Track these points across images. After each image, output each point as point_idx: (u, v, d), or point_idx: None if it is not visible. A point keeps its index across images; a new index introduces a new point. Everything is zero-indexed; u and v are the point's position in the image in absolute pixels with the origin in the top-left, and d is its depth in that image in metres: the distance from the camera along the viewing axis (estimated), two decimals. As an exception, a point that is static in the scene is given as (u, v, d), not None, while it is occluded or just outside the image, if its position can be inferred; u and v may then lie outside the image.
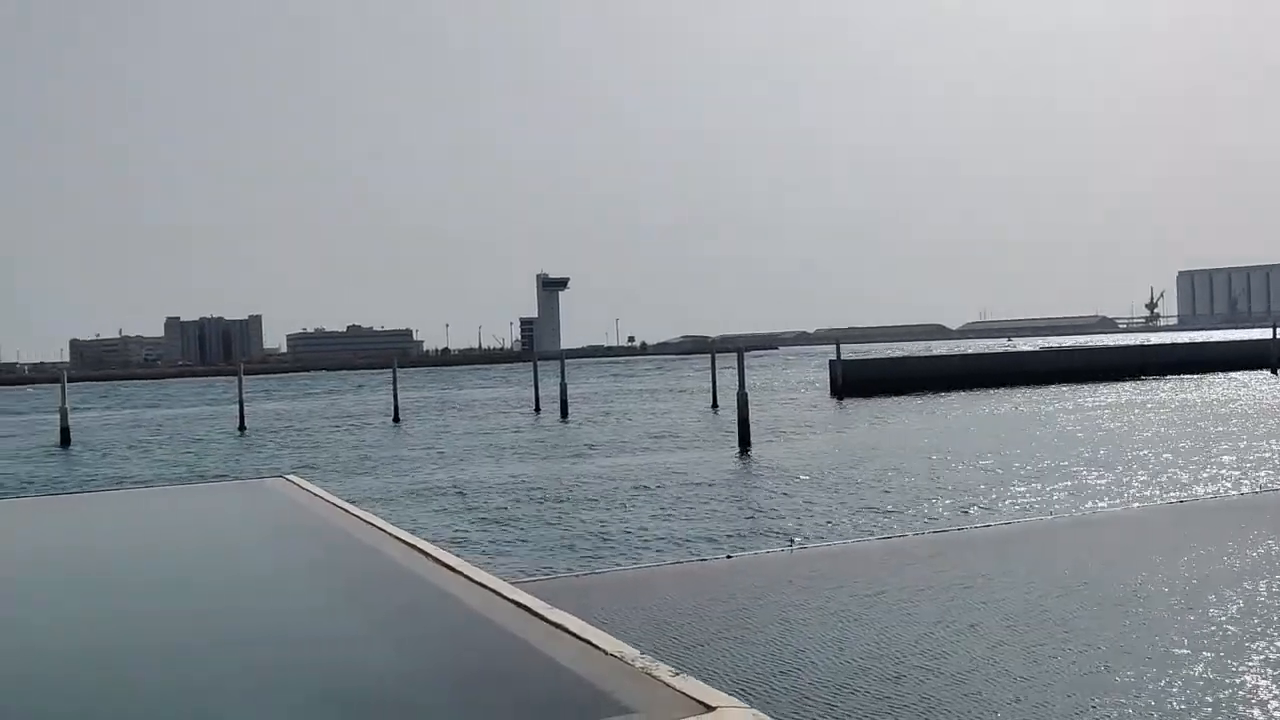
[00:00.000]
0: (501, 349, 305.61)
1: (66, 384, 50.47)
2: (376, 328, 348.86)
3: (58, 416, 48.94)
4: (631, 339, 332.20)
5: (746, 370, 38.67)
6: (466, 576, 5.30)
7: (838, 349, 62.91)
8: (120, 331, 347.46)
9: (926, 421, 42.25)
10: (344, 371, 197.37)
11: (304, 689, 4.32)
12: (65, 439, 47.46)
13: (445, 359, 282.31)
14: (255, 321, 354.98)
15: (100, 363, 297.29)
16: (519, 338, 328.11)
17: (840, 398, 58.57)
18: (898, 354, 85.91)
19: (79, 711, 4.82)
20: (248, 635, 5.67)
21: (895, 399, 54.32)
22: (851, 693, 6.41)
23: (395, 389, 60.24)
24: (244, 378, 60.78)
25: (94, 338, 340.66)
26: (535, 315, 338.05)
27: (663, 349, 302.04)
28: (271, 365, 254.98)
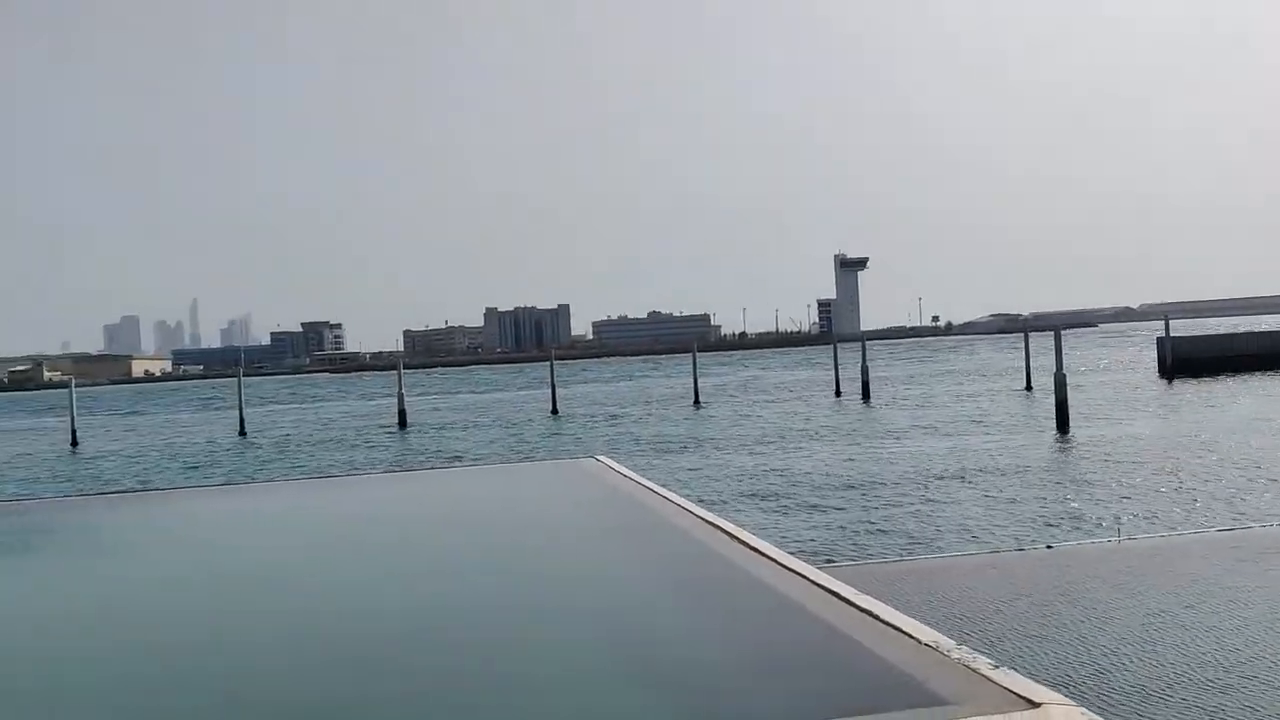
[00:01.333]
0: (799, 332, 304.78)
1: (402, 370, 55.30)
2: (676, 313, 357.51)
3: (395, 400, 53.60)
4: (935, 319, 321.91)
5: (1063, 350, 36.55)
6: (775, 561, 5.34)
7: (1166, 325, 58.11)
8: (446, 322, 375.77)
9: (1269, 406, 38.21)
10: (645, 356, 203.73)
11: (619, 667, 4.51)
12: (402, 420, 51.84)
13: (743, 343, 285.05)
14: (564, 310, 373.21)
15: (430, 351, 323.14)
16: (816, 320, 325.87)
17: (1169, 378, 54.04)
18: (1237, 330, 78.09)
19: (407, 670, 5.24)
20: (565, 609, 5.98)
21: (1233, 379, 49.51)
22: (1168, 701, 5.93)
23: (695, 373, 61.47)
24: (554, 363, 64.05)
25: (424, 328, 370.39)
26: (833, 297, 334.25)
27: (969, 329, 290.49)
28: (579, 351, 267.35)
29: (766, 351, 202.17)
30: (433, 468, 28.36)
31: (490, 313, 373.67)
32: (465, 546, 8.81)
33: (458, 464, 30.48)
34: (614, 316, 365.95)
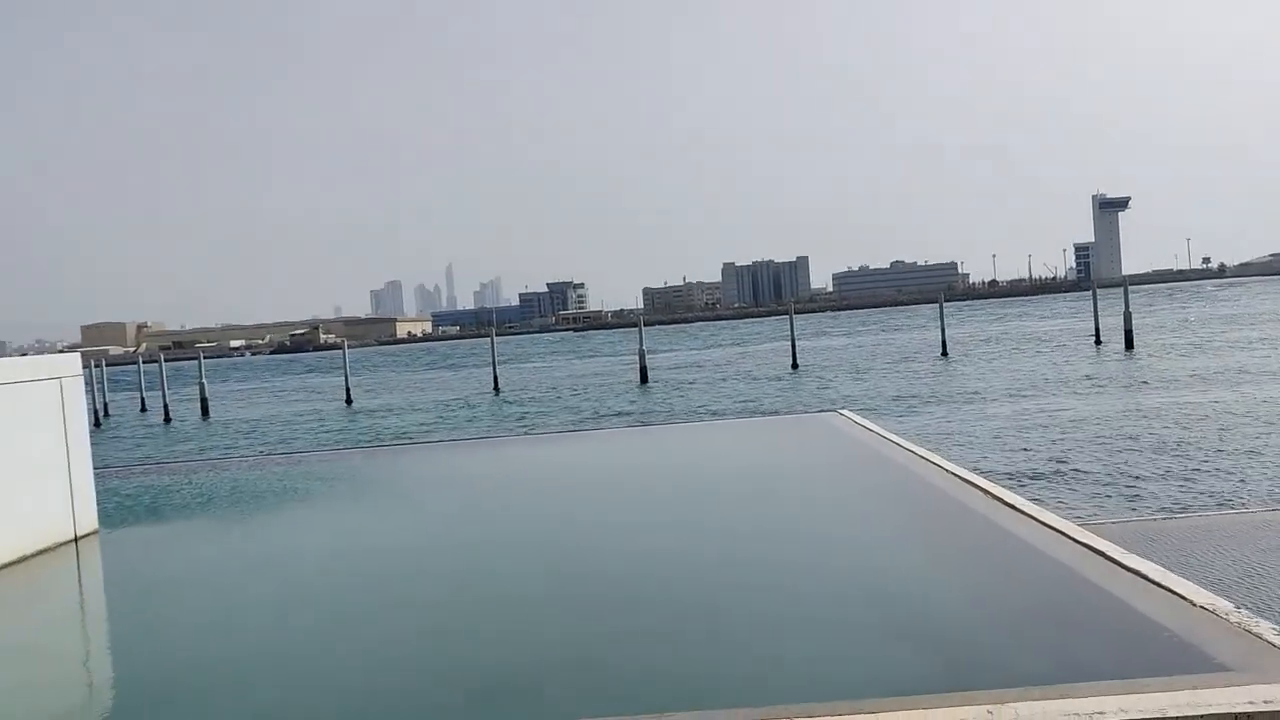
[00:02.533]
0: (1053, 278, 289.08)
1: (642, 327, 56.46)
2: (920, 263, 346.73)
3: (636, 357, 54.84)
4: (1206, 260, 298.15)
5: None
6: (1029, 515, 5.18)
7: None
8: (684, 279, 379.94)
9: None
10: (887, 308, 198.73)
11: (874, 623, 4.53)
12: (644, 376, 53.00)
13: (993, 291, 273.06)
14: (802, 263, 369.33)
15: (668, 307, 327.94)
16: (1073, 265, 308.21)
17: None
18: None
19: (655, 623, 5.38)
20: (814, 564, 6.03)
21: None
22: None
23: (942, 323, 59.58)
24: (793, 317, 63.60)
25: (662, 285, 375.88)
26: (1091, 240, 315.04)
27: (1244, 270, 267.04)
28: (818, 304, 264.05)
29: (1018, 300, 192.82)
30: (675, 422, 28.82)
31: (728, 268, 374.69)
32: (710, 500, 8.98)
33: (699, 419, 30.86)
34: (854, 268, 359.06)
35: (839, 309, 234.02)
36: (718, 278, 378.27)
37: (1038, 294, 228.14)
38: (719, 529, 7.45)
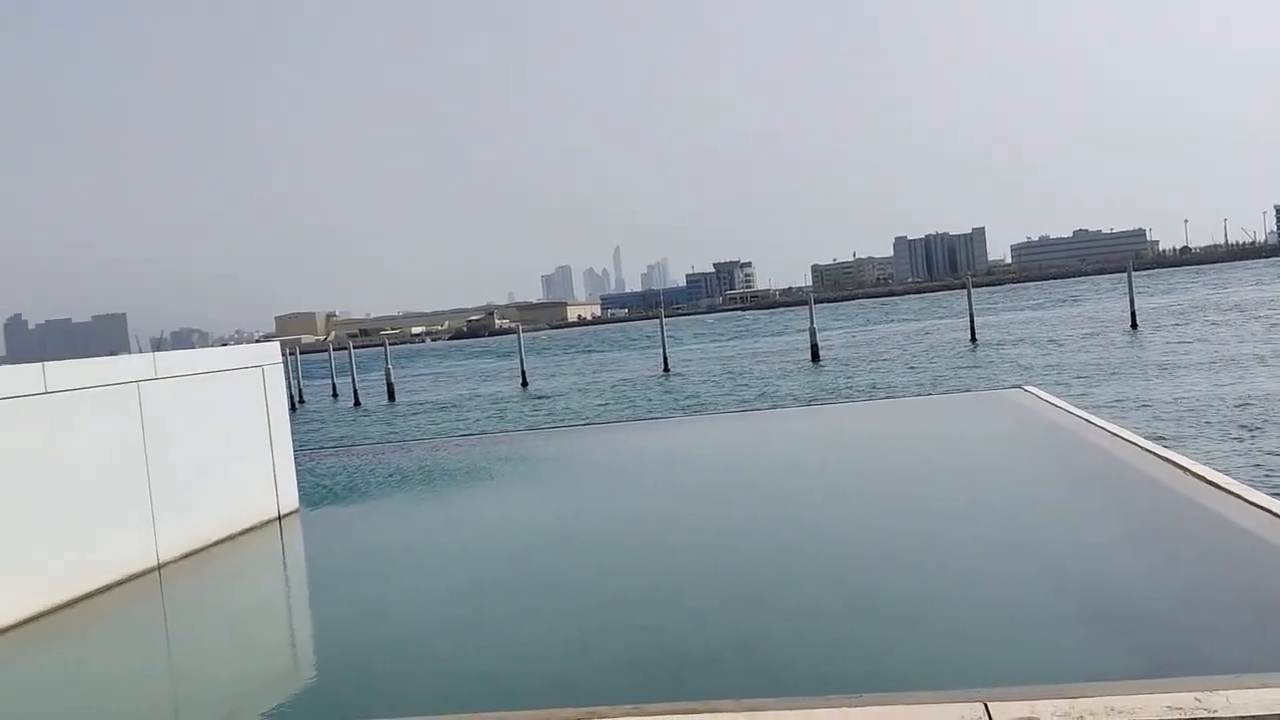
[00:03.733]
0: (1252, 243, 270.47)
1: (812, 304, 55.86)
2: (1105, 230, 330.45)
3: (807, 335, 54.31)
4: None
5: None
6: (1236, 495, 4.90)
7: None
8: (854, 254, 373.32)
9: None
10: (1070, 279, 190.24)
11: (1066, 604, 4.38)
12: (815, 354, 52.43)
13: (1184, 259, 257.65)
14: (979, 234, 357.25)
15: (838, 284, 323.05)
16: (1275, 228, 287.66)
17: None
18: None
19: (835, 599, 5.32)
20: (1001, 543, 5.87)
21: None
22: None
23: (1131, 293, 56.67)
24: (970, 290, 61.63)
25: (832, 261, 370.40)
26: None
27: None
28: (997, 276, 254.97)
29: (1213, 267, 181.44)
30: (849, 401, 28.39)
31: (899, 241, 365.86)
32: (889, 479, 8.82)
33: (874, 397, 30.31)
34: (1034, 238, 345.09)
35: (1019, 281, 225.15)
36: (889, 252, 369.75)
37: (1235, 260, 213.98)
38: (899, 509, 7.33)
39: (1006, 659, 3.69)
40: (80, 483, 7.34)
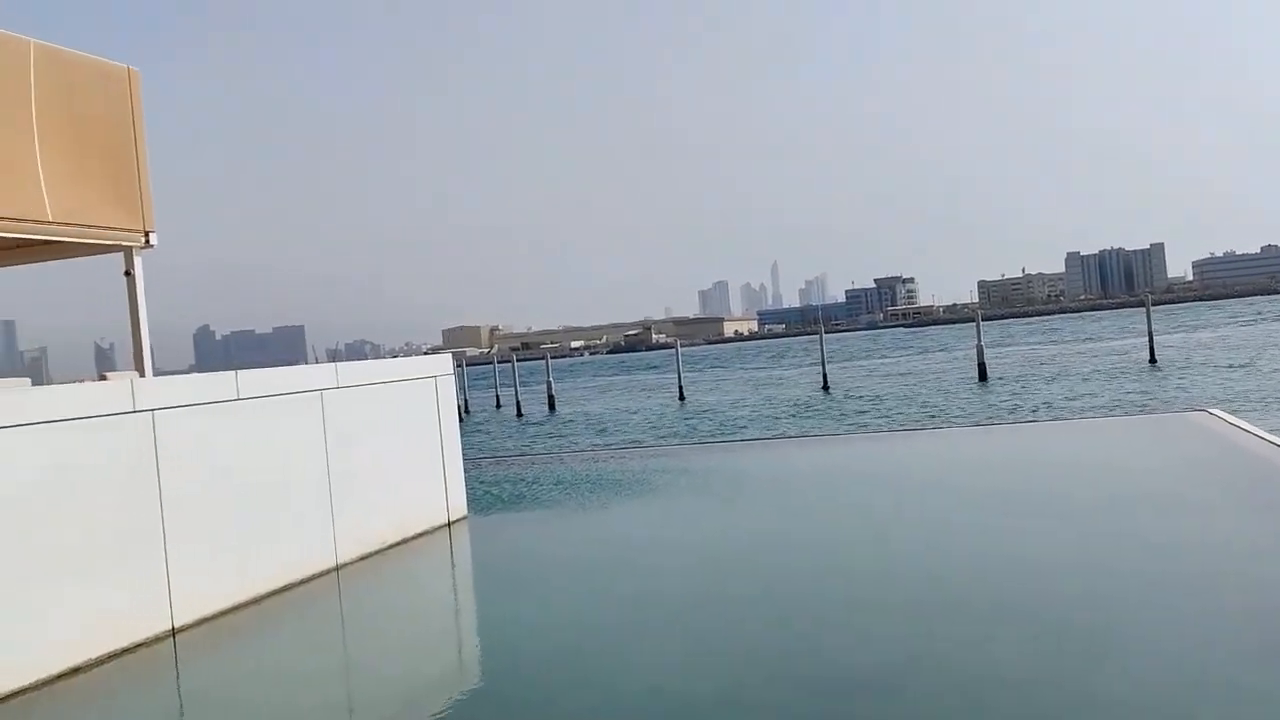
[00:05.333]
0: None
1: (980, 322, 54.26)
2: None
3: (974, 353, 52.74)
4: None
5: None
6: None
7: None
8: (1023, 270, 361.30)
9: None
10: (1259, 297, 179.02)
11: (1257, 640, 4.12)
12: (982, 374, 50.88)
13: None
14: (1157, 250, 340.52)
15: (1005, 301, 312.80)
16: None
17: None
18: None
19: (1008, 627, 5.11)
20: (1185, 575, 5.57)
21: None
22: None
23: (1327, 313, 52.88)
24: (1150, 308, 58.70)
25: (999, 278, 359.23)
26: None
27: None
28: (1177, 294, 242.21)
29: None
30: (1019, 422, 27.40)
31: (1071, 257, 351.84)
32: (1064, 504, 8.47)
33: (1045, 419, 29.18)
34: (1218, 254, 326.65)
35: (1201, 299, 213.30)
36: (1060, 268, 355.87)
37: None
38: (1074, 537, 7.04)
39: (1180, 699, 3.50)
40: (268, 485, 7.75)
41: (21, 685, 5.56)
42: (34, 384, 6.90)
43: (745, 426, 37.41)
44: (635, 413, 49.81)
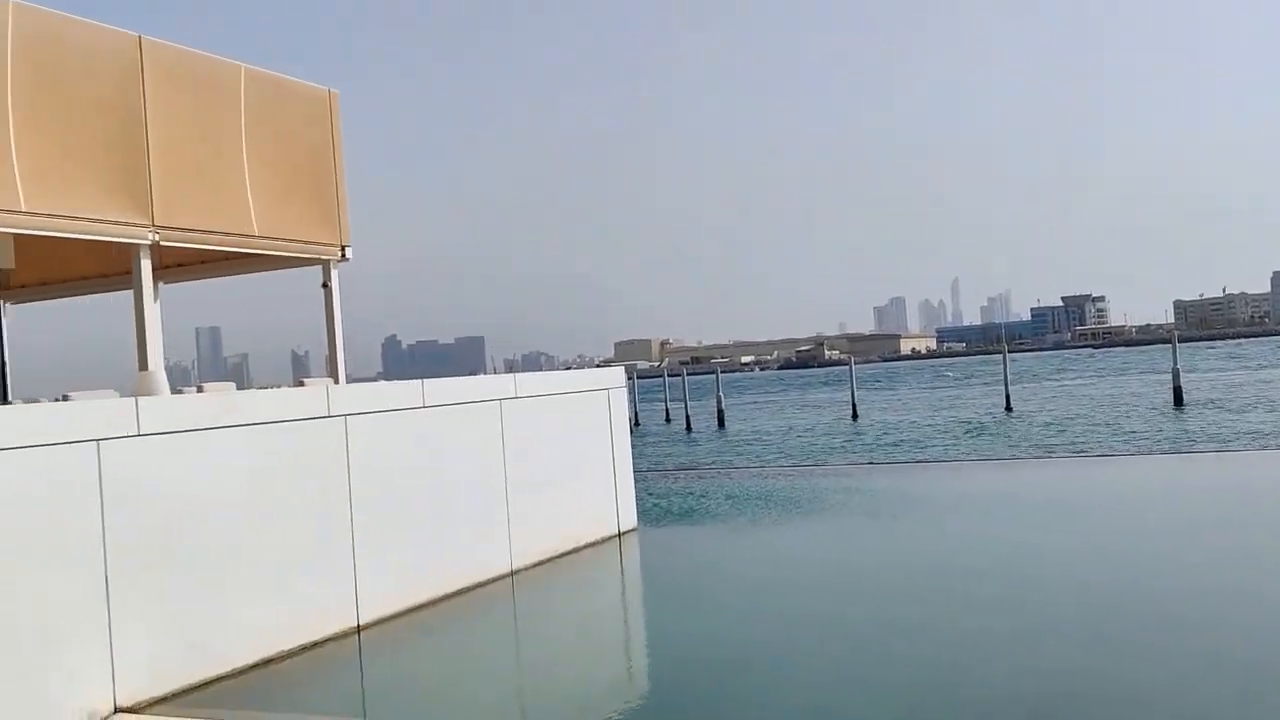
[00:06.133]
0: None
1: (1176, 343, 51.35)
2: None
3: (1169, 377, 49.93)
4: None
5: None
6: None
7: None
8: (1224, 289, 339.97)
9: None
10: None
11: None
12: (1178, 398, 48.14)
13: None
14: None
15: (1204, 322, 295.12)
16: None
17: None
18: None
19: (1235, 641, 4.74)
20: None
21: None
22: None
23: None
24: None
25: (1198, 297, 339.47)
26: None
27: None
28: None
29: None
30: (1222, 450, 25.76)
31: (1277, 276, 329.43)
32: (1275, 536, 7.87)
33: (1251, 448, 27.31)
34: None
35: None
36: (1266, 288, 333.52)
37: None
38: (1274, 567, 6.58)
39: None
40: (449, 491, 8.02)
41: (220, 673, 5.91)
42: (237, 388, 7.34)
43: (921, 447, 36.47)
44: (807, 430, 49.25)
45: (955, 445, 36.71)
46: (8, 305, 9.85)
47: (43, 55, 7.43)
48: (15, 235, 8.38)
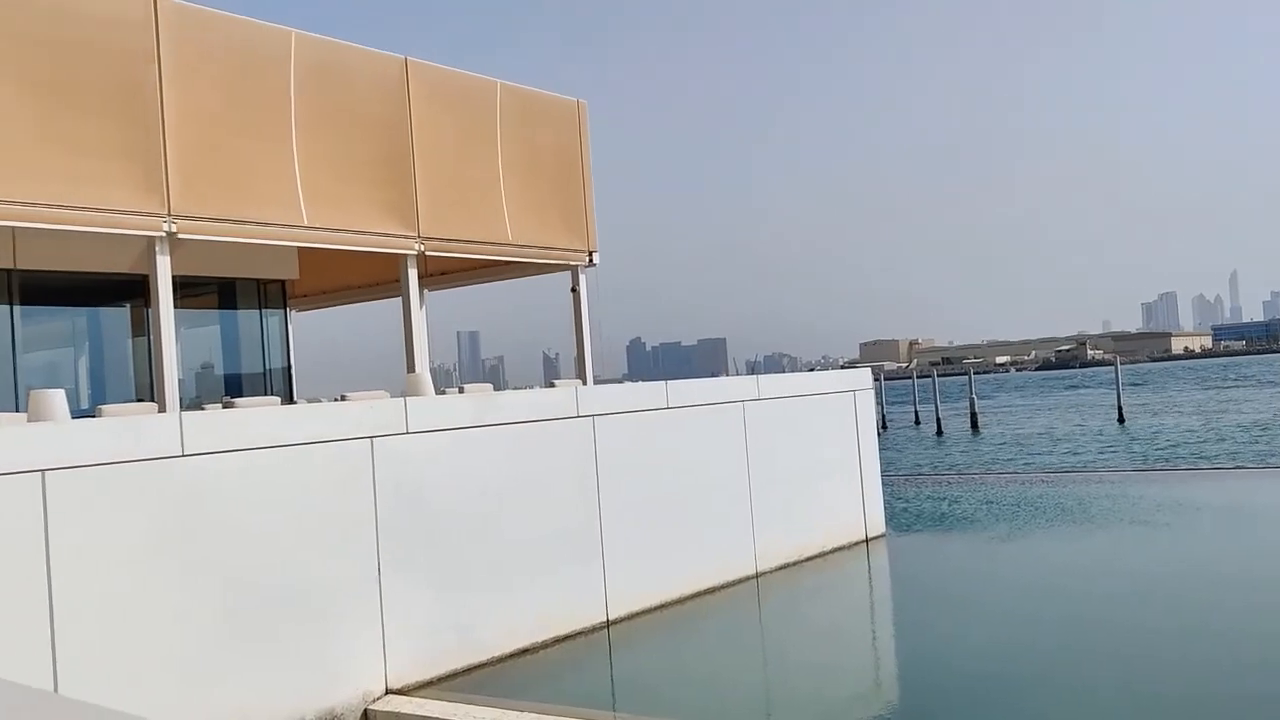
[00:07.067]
0: None
1: None
2: None
3: None
4: None
5: None
6: None
7: None
8: None
9: None
10: None
11: None
12: None
13: None
14: None
15: None
16: None
17: None
18: None
19: None
20: None
21: None
22: None
23: None
24: None
25: None
26: None
27: None
28: None
29: None
30: None
31: None
32: None
33: None
34: None
35: None
36: None
37: None
38: None
39: None
40: (692, 492, 8.09)
41: (479, 660, 6.21)
42: (494, 389, 7.69)
43: (1196, 454, 33.82)
44: (1068, 434, 46.69)
45: (1237, 452, 33.81)
46: (292, 313, 10.73)
47: (321, 82, 8.05)
48: (299, 249, 9.14)
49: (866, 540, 9.79)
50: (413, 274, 8.67)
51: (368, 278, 11.08)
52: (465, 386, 7.54)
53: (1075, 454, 37.10)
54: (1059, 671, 5.47)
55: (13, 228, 6.85)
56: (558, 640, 6.65)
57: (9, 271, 8.02)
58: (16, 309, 8.12)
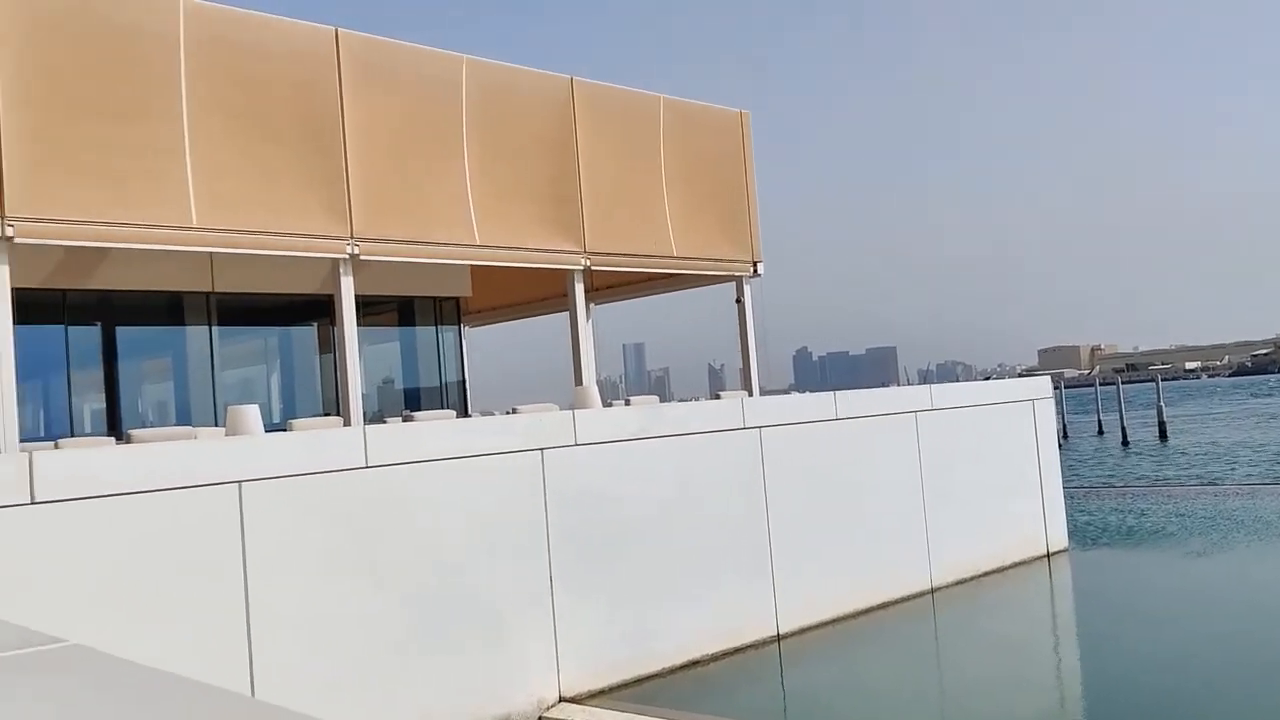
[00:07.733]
0: None
1: None
2: None
3: None
4: None
5: None
6: None
7: None
8: None
9: None
10: None
11: None
12: None
13: None
14: None
15: None
16: None
17: None
18: None
19: None
20: None
21: None
22: None
23: None
24: None
25: None
26: None
27: None
28: None
29: None
30: None
31: None
32: None
33: None
34: None
35: None
36: None
37: None
38: None
39: None
40: (864, 504, 7.94)
41: (650, 671, 6.24)
42: (660, 401, 7.73)
43: None
44: (1264, 444, 43.74)
45: None
46: (466, 329, 11.06)
47: (491, 104, 8.29)
48: (471, 266, 9.42)
49: (1048, 554, 9.40)
50: (579, 288, 8.82)
51: (537, 293, 11.33)
52: (631, 398, 7.61)
53: (1275, 465, 34.68)
54: (1265, 695, 5.12)
55: (211, 253, 7.30)
56: (727, 653, 6.63)
57: (207, 294, 8.54)
58: (215, 329, 8.64)
